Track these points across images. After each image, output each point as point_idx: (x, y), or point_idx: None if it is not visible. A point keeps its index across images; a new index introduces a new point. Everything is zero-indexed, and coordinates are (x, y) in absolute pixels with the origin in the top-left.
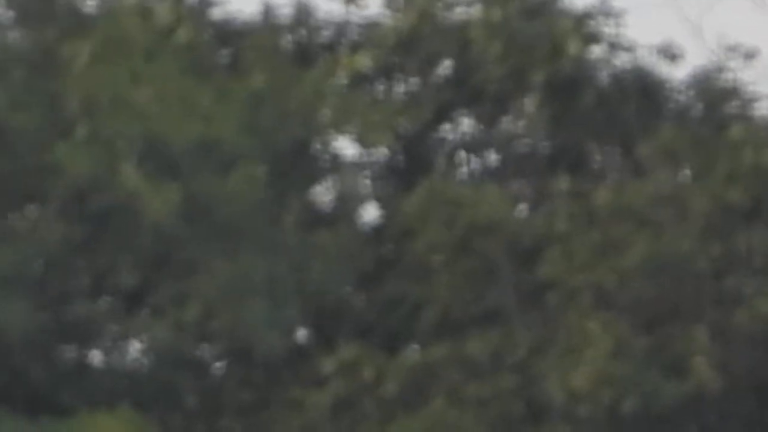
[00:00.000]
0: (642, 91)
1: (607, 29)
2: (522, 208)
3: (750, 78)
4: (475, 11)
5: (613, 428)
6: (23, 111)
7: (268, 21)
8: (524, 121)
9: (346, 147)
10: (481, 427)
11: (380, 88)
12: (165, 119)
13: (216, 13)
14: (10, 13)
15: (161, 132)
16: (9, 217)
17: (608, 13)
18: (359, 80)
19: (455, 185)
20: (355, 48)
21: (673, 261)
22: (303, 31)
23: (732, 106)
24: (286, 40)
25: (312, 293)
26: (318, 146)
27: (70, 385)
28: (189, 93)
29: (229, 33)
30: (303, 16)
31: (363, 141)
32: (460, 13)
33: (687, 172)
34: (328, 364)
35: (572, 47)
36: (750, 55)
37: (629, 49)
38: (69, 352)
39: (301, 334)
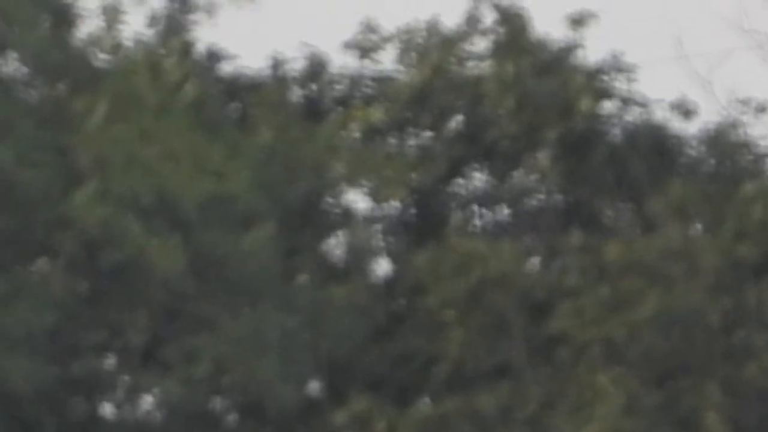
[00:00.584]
0: (654, 146)
1: (619, 85)
2: (534, 263)
3: (761, 132)
4: (488, 67)
5: None
6: (33, 165)
7: (277, 75)
8: (537, 176)
9: (357, 201)
10: None
11: (393, 142)
12: (175, 175)
13: (224, 68)
14: (24, 68)
15: (172, 188)
16: (20, 271)
17: (620, 69)
18: (372, 134)
19: (467, 239)
20: (369, 102)
21: (683, 315)
22: (313, 86)
23: (743, 161)
24: (296, 95)
25: (324, 347)
26: (329, 200)
27: None
28: (199, 149)
29: (238, 88)
30: (316, 70)
31: (376, 195)
32: (472, 68)
33: (698, 227)
34: (340, 417)
35: (584, 103)
36: (761, 110)
37: (641, 104)
38: (80, 405)
39: (314, 387)
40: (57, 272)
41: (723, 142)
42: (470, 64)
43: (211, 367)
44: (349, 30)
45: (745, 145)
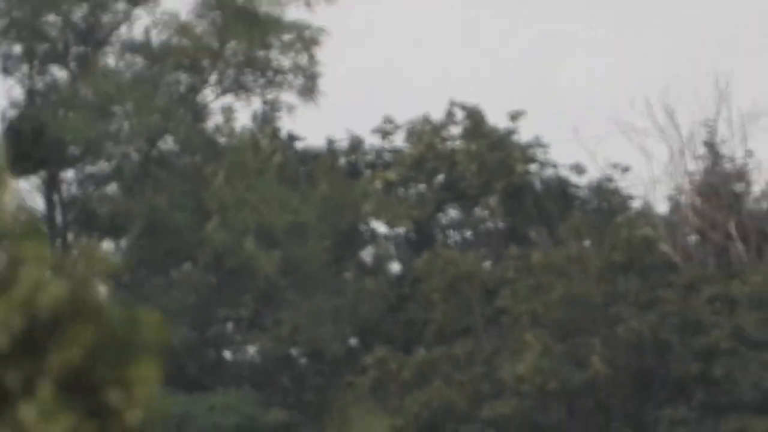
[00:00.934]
0: (560, 193)
1: (540, 155)
2: (487, 265)
3: (626, 184)
4: (460, 145)
5: (543, 400)
6: (181, 208)
7: (331, 149)
8: (489, 212)
9: (380, 227)
10: (462, 399)
11: (402, 191)
12: (269, 212)
13: (298, 145)
14: (175, 147)
15: (268, 220)
16: (173, 272)
17: (540, 145)
18: (389, 186)
19: (447, 251)
20: (387, 166)
21: (579, 298)
22: (353, 156)
23: (615, 202)
24: (342, 162)
25: (359, 317)
26: (363, 226)
27: (212, 373)
28: (283, 195)
29: (307, 157)
30: (355, 146)
31: (391, 224)
32: (451, 145)
33: (587, 243)
34: (368, 360)
35: (519, 167)
36: (626, 170)
37: (553, 166)
38: (211, 354)
39: (353, 342)
40: (197, 272)
41: (603, 190)
42: (449, 143)
43: (291, 330)
44: (375, 120)
45: (616, 192)
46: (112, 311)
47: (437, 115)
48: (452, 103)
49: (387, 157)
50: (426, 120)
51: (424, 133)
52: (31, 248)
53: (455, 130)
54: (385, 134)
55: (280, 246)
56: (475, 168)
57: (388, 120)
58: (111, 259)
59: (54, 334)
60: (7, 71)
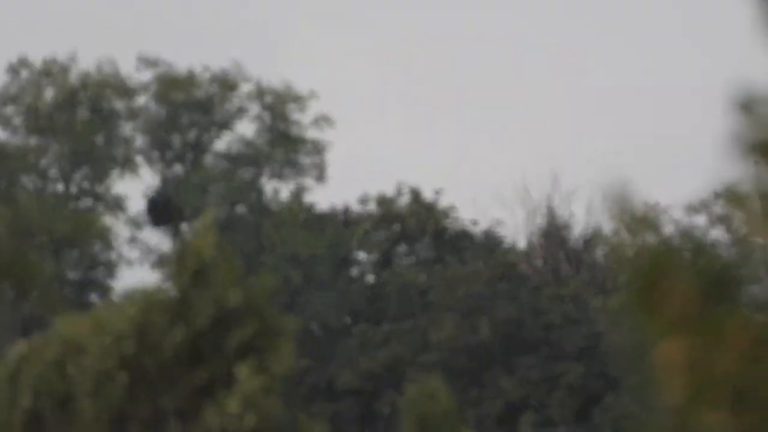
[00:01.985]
0: (465, 235)
1: (453, 213)
2: (422, 277)
3: (501, 231)
4: (406, 208)
5: (453, 353)
6: (248, 243)
7: (333, 211)
8: (423, 247)
9: (361, 255)
10: (408, 353)
11: (374, 235)
12: (297, 247)
13: (315, 208)
14: (245, 209)
15: (295, 251)
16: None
17: (453, 208)
18: (366, 233)
19: (399, 269)
20: (364, 220)
21: (474, 294)
22: (346, 214)
23: (495, 241)
24: (340, 217)
25: (350, 306)
26: (351, 255)
27: None
28: (305, 237)
29: (320, 215)
30: (347, 208)
31: (367, 253)
32: (404, 205)
33: (480, 263)
34: (355, 330)
35: (441, 220)
36: (501, 222)
37: (460, 221)
38: None
39: (347, 320)
40: None
41: (488, 234)
42: (400, 206)
43: (311, 313)
44: (357, 192)
45: (496, 235)
46: (270, 311)
47: (389, 190)
48: (399, 183)
49: (364, 215)
50: (384, 196)
51: (385, 202)
52: (224, 268)
53: (403, 200)
54: (363, 202)
55: (303, 266)
56: (415, 221)
57: (365, 194)
58: (272, 281)
59: (233, 320)
60: (150, 165)
